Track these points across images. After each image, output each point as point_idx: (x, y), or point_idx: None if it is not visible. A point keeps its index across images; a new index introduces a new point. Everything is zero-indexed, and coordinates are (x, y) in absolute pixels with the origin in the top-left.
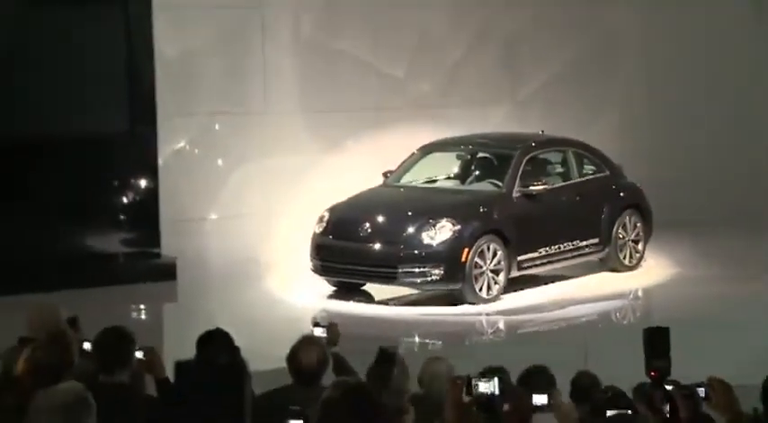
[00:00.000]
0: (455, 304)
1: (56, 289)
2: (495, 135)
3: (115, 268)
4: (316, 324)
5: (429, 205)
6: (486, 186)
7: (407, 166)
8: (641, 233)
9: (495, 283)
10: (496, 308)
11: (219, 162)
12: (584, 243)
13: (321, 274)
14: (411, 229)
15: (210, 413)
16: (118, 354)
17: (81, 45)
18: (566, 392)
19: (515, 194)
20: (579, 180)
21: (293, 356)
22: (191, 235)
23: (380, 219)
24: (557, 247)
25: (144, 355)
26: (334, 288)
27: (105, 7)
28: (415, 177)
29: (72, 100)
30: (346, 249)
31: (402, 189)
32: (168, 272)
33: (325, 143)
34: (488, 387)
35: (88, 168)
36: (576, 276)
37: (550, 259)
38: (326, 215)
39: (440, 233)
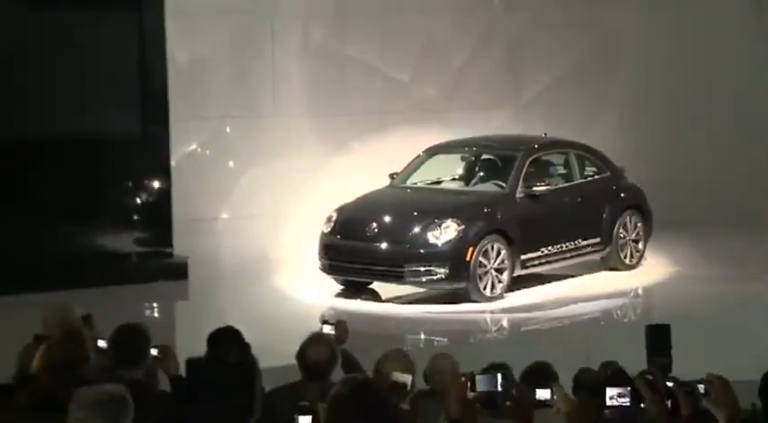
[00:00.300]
0: (460, 302)
1: (70, 287)
2: (498, 137)
3: (128, 267)
4: (324, 322)
5: (434, 206)
6: (490, 187)
7: (413, 167)
8: (642, 233)
9: (499, 281)
10: (500, 306)
11: (230, 164)
12: (586, 242)
13: (329, 273)
14: (417, 229)
15: (221, 409)
16: (134, 350)
17: (95, 49)
18: (568, 389)
19: (519, 195)
20: (581, 181)
21: (302, 353)
22: (202, 235)
23: (387, 219)
24: (559, 246)
25: (159, 353)
26: (341, 286)
27: (119, 13)
28: (420, 178)
29: (87, 103)
30: (353, 249)
31: (408, 190)
32: (180, 271)
33: (332, 145)
34: (492, 384)
35: (102, 170)
36: (578, 275)
37: (553, 258)
38: (334, 215)
39: (445, 233)
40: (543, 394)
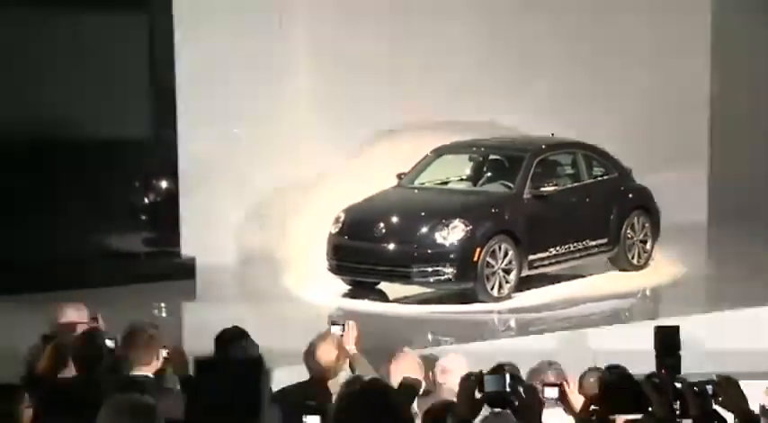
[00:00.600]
0: (467, 303)
1: (78, 287)
2: (506, 138)
3: (136, 267)
4: (333, 323)
5: (442, 206)
6: (497, 188)
7: (421, 168)
8: (649, 233)
9: (507, 281)
10: (508, 306)
11: (238, 164)
12: (594, 243)
13: (337, 274)
14: (424, 230)
15: (230, 409)
16: (145, 350)
17: (105, 50)
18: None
19: (526, 196)
20: (588, 182)
21: (310, 353)
22: (210, 235)
23: (394, 219)
24: (566, 246)
25: (168, 354)
26: (349, 287)
27: (128, 15)
28: (428, 179)
29: (95, 104)
30: (361, 249)
31: (416, 190)
32: (188, 271)
33: (341, 147)
34: (500, 383)
35: (111, 170)
36: (586, 275)
37: (560, 259)
38: (342, 216)
39: (452, 233)
40: (551, 393)
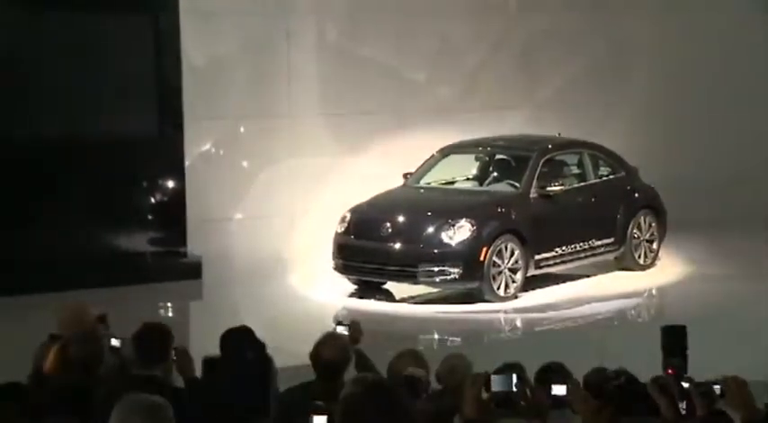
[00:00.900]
0: (473, 302)
1: (85, 287)
2: (512, 137)
3: (143, 267)
4: (339, 323)
5: (448, 206)
6: (503, 187)
7: (427, 167)
8: (656, 233)
9: (513, 281)
10: (514, 306)
11: (245, 164)
12: (600, 243)
13: (343, 273)
14: (430, 229)
15: (237, 407)
16: (157, 349)
17: (111, 50)
18: None
19: (532, 195)
20: (595, 181)
21: (316, 353)
22: (216, 234)
23: (401, 219)
24: (573, 246)
25: (175, 355)
26: (355, 286)
27: (135, 14)
28: (434, 179)
29: (102, 103)
30: (367, 249)
31: (422, 190)
32: (194, 270)
33: (347, 146)
34: (507, 384)
35: (117, 170)
36: (592, 275)
37: (567, 258)
38: (348, 216)
39: (459, 233)
40: (559, 390)
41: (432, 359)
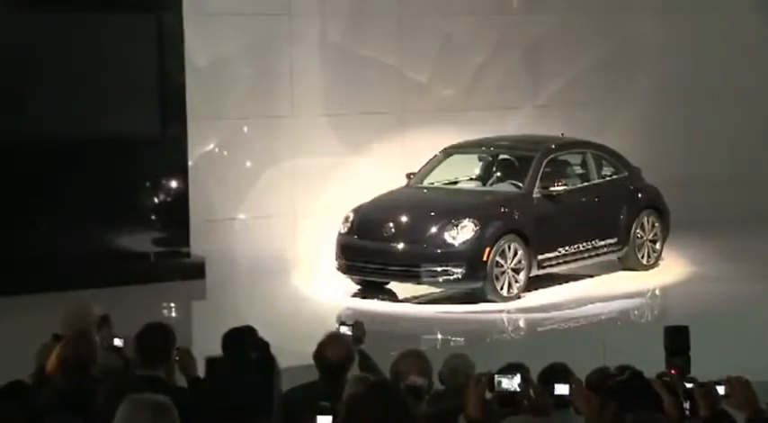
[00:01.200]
0: (476, 303)
1: (88, 287)
2: (515, 137)
3: (146, 267)
4: (342, 323)
5: (451, 206)
6: (507, 187)
7: (430, 167)
8: (659, 233)
9: (516, 281)
10: (517, 306)
11: (248, 164)
12: (603, 243)
13: (346, 273)
14: (434, 229)
15: (241, 407)
16: (160, 349)
17: (114, 50)
18: None
19: (536, 195)
20: (598, 181)
21: (320, 353)
22: (219, 234)
23: (404, 219)
24: (576, 246)
25: (177, 355)
26: (358, 286)
27: (138, 14)
28: (437, 179)
29: (105, 104)
30: (370, 249)
31: (425, 190)
32: (197, 270)
33: (350, 146)
34: (511, 384)
35: (120, 170)
36: (595, 275)
37: (570, 258)
38: (351, 216)
39: (462, 233)
40: (562, 389)
41: (434, 359)
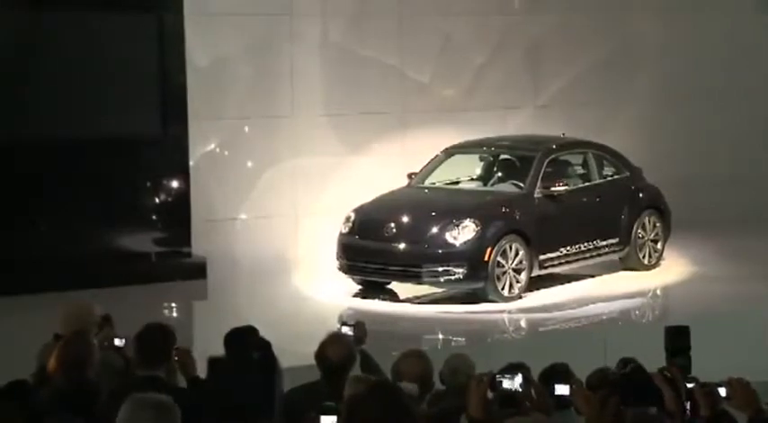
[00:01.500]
0: (478, 303)
1: (89, 287)
2: (516, 137)
3: (147, 267)
4: (343, 323)
5: (452, 206)
6: (508, 187)
7: (431, 167)
8: (660, 233)
9: (517, 281)
10: (518, 306)
11: (249, 164)
12: (604, 243)
13: (347, 273)
14: (435, 229)
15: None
16: (159, 349)
17: (115, 50)
18: None
19: (537, 195)
20: (599, 181)
21: (321, 353)
22: (221, 234)
23: (405, 219)
24: (577, 246)
25: (176, 355)
26: (359, 286)
27: (139, 14)
28: (438, 179)
29: (106, 103)
30: (371, 249)
31: (426, 190)
32: (198, 270)
33: (351, 146)
34: (512, 384)
35: (121, 170)
36: (597, 275)
37: (571, 259)
38: (352, 216)
39: (463, 233)
40: (562, 390)
41: (435, 359)
